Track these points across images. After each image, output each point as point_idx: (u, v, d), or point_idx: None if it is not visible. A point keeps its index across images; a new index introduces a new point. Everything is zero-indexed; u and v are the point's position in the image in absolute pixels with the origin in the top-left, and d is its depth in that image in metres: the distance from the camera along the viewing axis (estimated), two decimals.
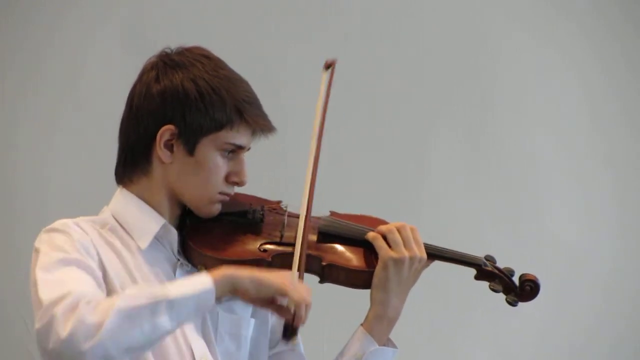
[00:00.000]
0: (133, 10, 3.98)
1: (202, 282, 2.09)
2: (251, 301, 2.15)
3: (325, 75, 2.42)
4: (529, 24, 4.14)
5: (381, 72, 4.08)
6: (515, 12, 4.13)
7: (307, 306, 2.15)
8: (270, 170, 3.91)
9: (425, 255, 2.41)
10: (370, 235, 2.42)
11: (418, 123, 4.09)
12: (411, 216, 3.92)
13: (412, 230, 2.41)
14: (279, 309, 2.16)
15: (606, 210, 4.12)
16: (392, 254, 2.38)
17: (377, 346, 2.41)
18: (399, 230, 2.40)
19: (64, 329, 1.99)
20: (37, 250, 2.21)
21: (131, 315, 2.01)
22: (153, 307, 2.03)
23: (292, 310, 2.15)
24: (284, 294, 2.12)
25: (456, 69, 4.11)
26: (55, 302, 2.03)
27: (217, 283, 2.10)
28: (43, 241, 2.23)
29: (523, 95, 4.13)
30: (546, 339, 4.07)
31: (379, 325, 2.41)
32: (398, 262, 2.38)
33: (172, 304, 2.04)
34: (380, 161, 4.07)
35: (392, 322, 2.42)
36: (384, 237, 2.41)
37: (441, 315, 4.03)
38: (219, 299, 2.13)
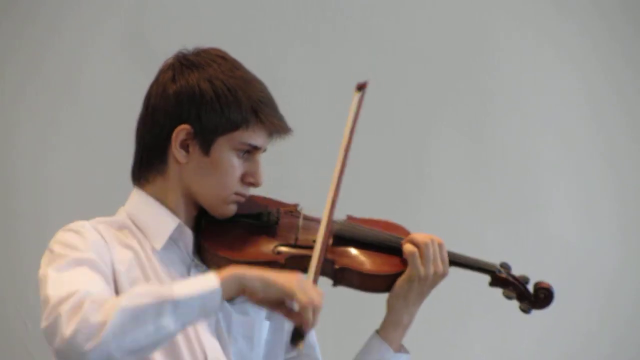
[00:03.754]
0: (133, 10, 3.97)
1: (208, 281, 2.04)
2: (260, 302, 2.09)
3: (356, 97, 2.41)
4: (529, 23, 4.14)
5: (381, 72, 4.08)
6: (515, 11, 4.14)
7: (316, 309, 2.08)
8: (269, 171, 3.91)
9: (447, 272, 2.42)
10: (408, 250, 2.40)
11: (417, 123, 4.09)
12: (411, 216, 3.95)
13: (440, 246, 2.41)
14: (288, 312, 2.09)
15: (608, 210, 4.12)
16: (422, 268, 2.39)
17: (394, 353, 2.43)
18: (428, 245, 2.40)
19: (67, 328, 1.98)
20: (50, 249, 2.21)
21: (135, 316, 1.99)
22: (158, 308, 2.00)
23: (303, 314, 2.08)
24: (291, 295, 2.07)
25: (456, 68, 4.11)
26: (62, 301, 2.02)
27: (224, 283, 2.05)
28: (57, 240, 2.23)
29: (524, 95, 4.13)
30: (548, 340, 4.08)
31: (394, 332, 2.43)
32: (426, 276, 2.39)
33: (176, 305, 2.00)
34: (379, 161, 4.07)
35: (406, 329, 2.45)
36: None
37: (441, 316, 4.02)
38: (230, 300, 2.11)
